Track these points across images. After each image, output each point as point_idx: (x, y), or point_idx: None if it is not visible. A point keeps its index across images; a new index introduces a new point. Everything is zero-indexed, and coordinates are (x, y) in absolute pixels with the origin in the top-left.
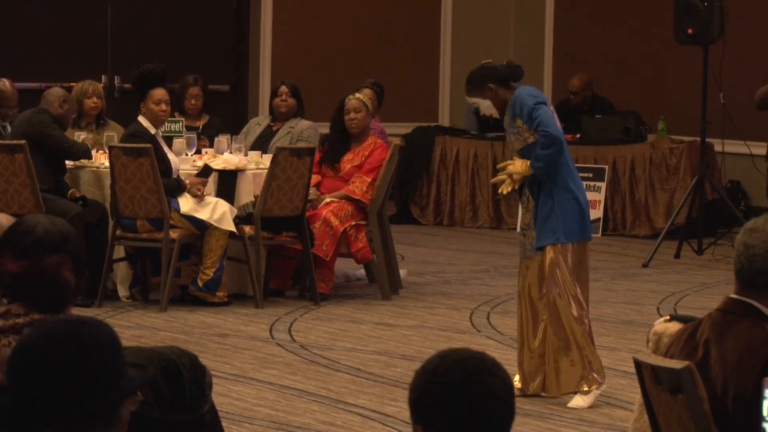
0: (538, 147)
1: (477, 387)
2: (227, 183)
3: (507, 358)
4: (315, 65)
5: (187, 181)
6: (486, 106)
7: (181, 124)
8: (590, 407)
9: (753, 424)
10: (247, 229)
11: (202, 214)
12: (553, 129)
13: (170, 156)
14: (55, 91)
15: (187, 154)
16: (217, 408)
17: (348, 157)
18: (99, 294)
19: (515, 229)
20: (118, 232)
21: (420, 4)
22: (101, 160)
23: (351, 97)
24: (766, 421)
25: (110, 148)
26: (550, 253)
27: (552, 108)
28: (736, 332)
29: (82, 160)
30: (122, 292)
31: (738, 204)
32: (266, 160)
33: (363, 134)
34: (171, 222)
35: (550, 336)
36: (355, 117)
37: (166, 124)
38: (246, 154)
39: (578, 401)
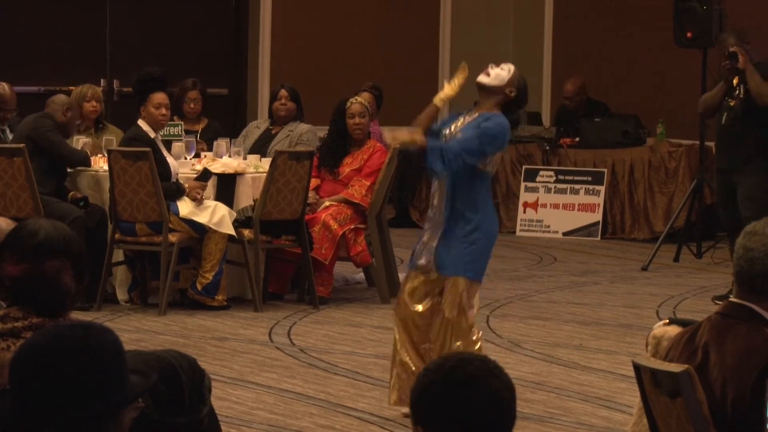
0: (450, 144)
1: (479, 389)
2: (226, 186)
3: (506, 361)
4: (313, 69)
5: (186, 185)
6: (489, 79)
7: (180, 127)
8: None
9: (752, 427)
10: (246, 232)
11: (202, 218)
12: (467, 157)
13: (169, 160)
14: (60, 99)
15: (186, 158)
16: (216, 411)
17: (347, 160)
18: (98, 297)
19: (514, 232)
20: (117, 236)
21: (419, 7)
22: (100, 163)
23: (353, 100)
24: None
25: (109, 151)
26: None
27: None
28: (735, 336)
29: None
30: (121, 295)
31: None
32: (265, 163)
33: (363, 138)
34: (170, 225)
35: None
36: (360, 122)
37: (165, 127)
38: (245, 158)
39: None
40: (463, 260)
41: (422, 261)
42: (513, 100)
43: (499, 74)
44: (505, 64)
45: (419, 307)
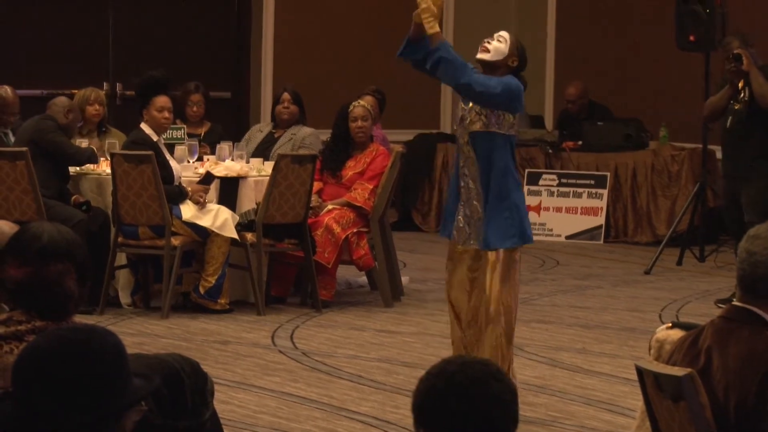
0: (471, 72)
1: (481, 392)
2: (229, 190)
3: None
4: (316, 72)
5: (189, 188)
6: (490, 55)
7: (182, 131)
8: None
9: (755, 431)
10: (249, 236)
11: (204, 221)
12: (485, 87)
13: (172, 163)
14: (61, 101)
15: (188, 161)
16: (219, 415)
17: (350, 164)
18: (101, 301)
19: None
20: (119, 239)
21: None
22: (103, 167)
23: (356, 104)
24: None
25: (112, 155)
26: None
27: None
28: (738, 339)
29: (85, 167)
30: (124, 299)
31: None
32: (268, 167)
33: (366, 142)
34: (173, 229)
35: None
36: (363, 125)
37: (167, 131)
38: (248, 161)
39: None
40: (506, 232)
41: (467, 235)
42: (516, 68)
43: (497, 48)
44: (499, 34)
45: (466, 300)
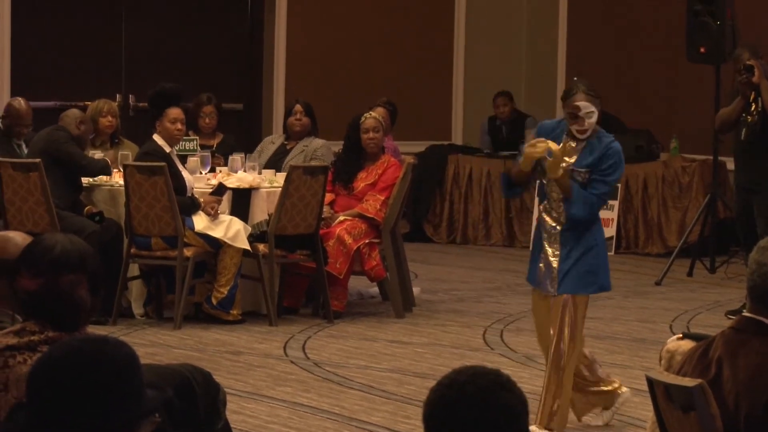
0: (597, 190)
1: (492, 402)
2: (241, 201)
3: (520, 375)
4: (328, 84)
5: (202, 200)
6: (589, 129)
7: (195, 142)
8: (605, 425)
9: None
10: (261, 247)
11: (217, 232)
12: (601, 202)
13: (184, 174)
14: (73, 113)
15: (201, 173)
16: (231, 425)
17: (362, 175)
18: (113, 311)
19: (528, 247)
20: (132, 250)
21: (433, 23)
22: (116, 178)
23: (367, 116)
24: None
25: (125, 166)
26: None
27: None
28: (749, 350)
29: (98, 178)
30: (137, 309)
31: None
32: (280, 178)
33: (377, 153)
34: (185, 240)
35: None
36: (375, 137)
37: (180, 142)
38: (260, 173)
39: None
40: (584, 277)
41: (547, 283)
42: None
43: (591, 124)
44: (586, 108)
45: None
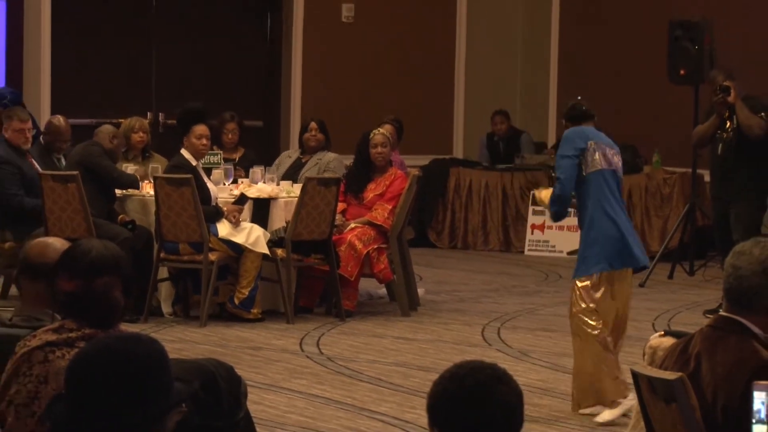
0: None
1: (489, 394)
2: (261, 210)
3: (515, 369)
4: (340, 103)
5: (225, 208)
6: None
7: (219, 156)
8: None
9: (741, 430)
10: (279, 251)
11: (239, 238)
12: (564, 186)
13: (209, 185)
14: (106, 128)
15: (224, 184)
16: (252, 415)
17: (371, 186)
18: (145, 310)
19: (522, 252)
20: (162, 255)
21: (436, 48)
22: (147, 189)
23: (376, 132)
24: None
25: (155, 178)
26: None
27: (599, 147)
28: (725, 346)
29: (130, 189)
30: (166, 308)
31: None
32: (296, 189)
33: (385, 166)
34: (210, 245)
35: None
36: (383, 151)
37: (205, 156)
38: (278, 184)
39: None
40: (579, 261)
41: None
42: (572, 119)
43: None
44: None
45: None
